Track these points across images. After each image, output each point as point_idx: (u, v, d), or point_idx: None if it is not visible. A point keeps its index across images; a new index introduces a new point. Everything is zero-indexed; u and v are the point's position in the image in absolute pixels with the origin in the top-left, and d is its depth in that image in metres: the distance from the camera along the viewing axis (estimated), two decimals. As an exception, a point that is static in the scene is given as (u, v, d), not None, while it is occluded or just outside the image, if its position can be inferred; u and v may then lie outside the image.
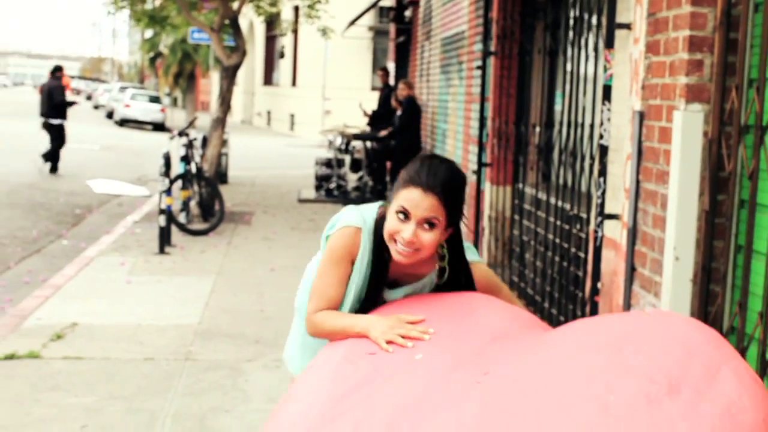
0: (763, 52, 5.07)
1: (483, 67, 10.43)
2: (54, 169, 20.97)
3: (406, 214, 3.28)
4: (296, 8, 30.42)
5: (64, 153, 21.99)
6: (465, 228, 3.65)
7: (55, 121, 21.13)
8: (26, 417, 5.98)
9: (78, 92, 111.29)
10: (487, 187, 10.85)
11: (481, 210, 10.83)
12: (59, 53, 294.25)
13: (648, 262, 6.07)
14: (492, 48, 10.62)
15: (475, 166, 10.74)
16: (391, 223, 3.33)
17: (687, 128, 5.62)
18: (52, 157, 21.07)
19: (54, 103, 20.85)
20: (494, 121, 10.68)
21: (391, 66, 22.72)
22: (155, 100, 46.42)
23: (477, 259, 3.71)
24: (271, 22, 20.00)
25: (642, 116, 6.19)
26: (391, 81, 20.08)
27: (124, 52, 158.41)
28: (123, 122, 45.69)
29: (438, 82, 15.58)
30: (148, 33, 51.99)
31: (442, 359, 2.99)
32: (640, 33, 6.26)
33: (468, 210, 10.80)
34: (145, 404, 6.25)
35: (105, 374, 6.85)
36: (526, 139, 9.72)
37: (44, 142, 22.19)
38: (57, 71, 21.43)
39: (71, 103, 21.54)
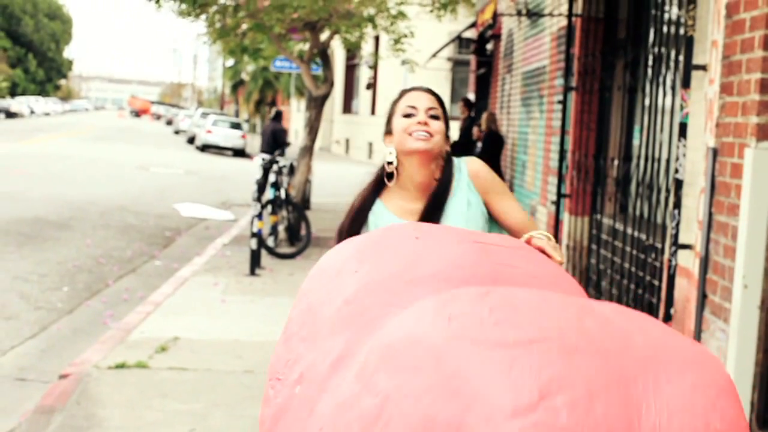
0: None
1: (564, 102, 10.83)
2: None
3: (413, 112, 3.62)
4: (376, 38, 30.92)
5: (152, 177, 22.67)
6: None
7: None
8: (138, 420, 6.50)
9: (158, 117, 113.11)
10: (565, 217, 11.24)
11: (560, 239, 11.21)
12: (138, 78, 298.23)
13: (718, 290, 6.44)
14: (573, 83, 11.03)
15: (554, 197, 11.13)
16: (401, 122, 3.63)
17: (757, 165, 6.01)
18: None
19: (278, 143, 22.31)
20: (574, 154, 11.08)
21: (472, 97, 23.16)
22: (236, 126, 47.15)
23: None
24: (351, 50, 20.47)
25: (716, 152, 6.57)
26: (472, 113, 20.53)
27: (203, 78, 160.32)
28: (204, 148, 46.43)
29: (518, 115, 15.97)
30: (230, 61, 52.94)
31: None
32: (715, 74, 6.66)
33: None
34: (247, 411, 6.74)
35: (208, 384, 7.36)
36: (605, 172, 10.12)
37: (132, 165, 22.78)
38: (278, 115, 22.92)
39: (288, 144, 23.25)
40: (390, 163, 3.69)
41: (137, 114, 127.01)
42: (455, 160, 3.77)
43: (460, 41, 34.60)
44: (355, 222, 3.81)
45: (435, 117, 3.63)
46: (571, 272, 11.04)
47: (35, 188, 21.13)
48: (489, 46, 20.42)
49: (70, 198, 19.69)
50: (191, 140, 53.33)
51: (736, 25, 6.36)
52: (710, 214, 6.63)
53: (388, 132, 3.73)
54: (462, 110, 20.24)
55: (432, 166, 3.67)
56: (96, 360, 7.76)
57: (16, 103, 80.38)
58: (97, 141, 47.95)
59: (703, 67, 7.01)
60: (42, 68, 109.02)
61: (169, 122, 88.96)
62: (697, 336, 6.70)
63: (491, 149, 16.54)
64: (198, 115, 55.33)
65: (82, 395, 6.90)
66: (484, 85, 21.71)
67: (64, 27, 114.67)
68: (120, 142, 48.62)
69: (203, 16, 16.04)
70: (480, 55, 21.72)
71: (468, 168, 3.74)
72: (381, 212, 3.71)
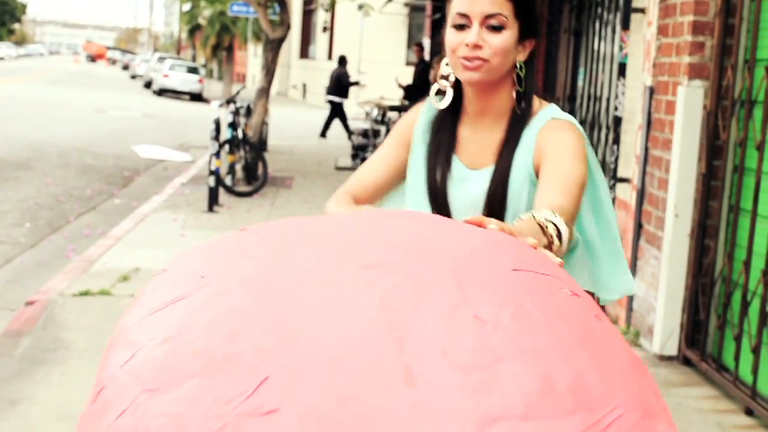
0: (754, 37, 5.87)
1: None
2: (323, 135, 24.93)
3: (465, 23, 2.61)
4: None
5: (110, 120, 22.84)
6: None
7: (337, 99, 24.31)
8: (102, 343, 6.80)
9: (114, 62, 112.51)
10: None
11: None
12: (94, 23, 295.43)
13: (653, 220, 6.84)
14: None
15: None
16: (450, 38, 2.65)
17: (689, 102, 6.40)
18: (326, 125, 24.84)
19: (342, 85, 24.44)
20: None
21: (426, 42, 23.46)
22: (193, 71, 47.14)
23: (569, 119, 2.70)
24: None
25: (652, 91, 6.95)
26: (426, 56, 20.85)
27: (160, 23, 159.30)
28: (161, 92, 46.45)
29: (471, 58, 16.30)
30: (187, 5, 52.80)
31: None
32: (653, 17, 7.02)
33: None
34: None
35: (169, 310, 7.68)
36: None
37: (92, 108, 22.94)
38: (342, 60, 24.98)
39: (356, 83, 25.40)
40: (445, 77, 2.76)
41: (93, 59, 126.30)
42: (546, 106, 2.73)
43: (416, -14, 34.81)
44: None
45: (495, 28, 2.57)
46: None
47: (-7, 130, 21.26)
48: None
49: (29, 139, 19.83)
50: (148, 84, 53.32)
51: (672, -30, 6.70)
52: (646, 149, 7.02)
53: (443, 37, 2.73)
54: (417, 54, 20.61)
55: (500, 92, 2.69)
56: (61, 288, 8.07)
57: (-30, 47, 79.81)
58: (53, 85, 47.85)
59: (642, 10, 7.37)
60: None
61: (125, 67, 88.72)
62: (633, 263, 7.11)
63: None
64: (155, 60, 55.24)
65: (48, 320, 7.21)
66: (440, 30, 21.98)
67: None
68: (77, 87, 48.52)
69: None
70: (435, 0, 21.99)
71: (544, 126, 2.65)
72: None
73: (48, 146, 19.03)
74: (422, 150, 2.81)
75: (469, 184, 2.72)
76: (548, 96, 3.15)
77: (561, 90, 10.45)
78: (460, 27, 2.59)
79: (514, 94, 2.67)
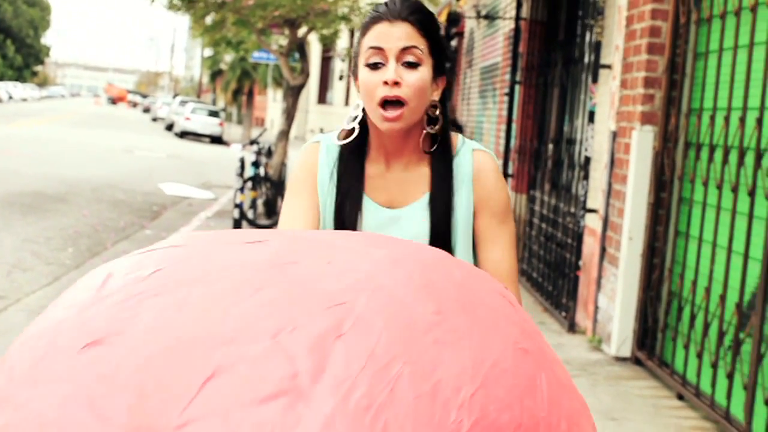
0: (697, 90, 7.16)
1: (511, 94, 12.47)
2: None
3: (379, 59, 2.52)
4: (352, 31, 32.44)
5: (136, 159, 24.17)
6: None
7: None
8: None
9: (134, 105, 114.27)
10: (510, 195, 12.87)
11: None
12: (114, 66, 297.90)
13: (613, 243, 8.10)
14: (519, 78, 12.67)
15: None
16: (365, 78, 2.54)
17: (641, 144, 7.67)
18: None
19: None
20: (517, 140, 12.75)
21: (437, 90, 24.79)
22: (214, 114, 48.59)
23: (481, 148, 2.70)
24: (327, 44, 22.00)
25: (615, 135, 8.22)
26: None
27: (180, 67, 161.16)
28: (183, 134, 48.08)
29: (476, 105, 17.53)
30: (209, 51, 54.30)
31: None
32: (617, 72, 8.31)
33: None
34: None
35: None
36: (541, 155, 11.81)
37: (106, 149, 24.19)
38: None
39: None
40: (355, 119, 2.66)
41: (114, 101, 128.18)
42: (459, 139, 2.70)
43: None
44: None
45: (411, 64, 2.51)
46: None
47: (30, 167, 22.60)
48: (453, 43, 22.02)
49: (63, 176, 21.19)
50: (169, 127, 54.94)
51: (631, 34, 8.00)
52: (610, 184, 8.28)
53: (356, 75, 2.63)
54: (428, 102, 21.95)
55: (415, 131, 2.62)
56: (108, 299, 9.33)
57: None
58: (78, 126, 49.47)
59: (609, 66, 8.65)
60: (20, 54, 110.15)
61: (146, 110, 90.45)
62: (598, 281, 8.36)
63: (451, 137, 18.06)
64: (177, 103, 56.84)
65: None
66: (449, 79, 23.29)
67: (42, 14, 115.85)
68: (101, 128, 50.11)
69: (191, 11, 17.55)
70: (446, 51, 23.31)
71: (475, 159, 2.65)
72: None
73: (81, 182, 20.38)
74: (331, 193, 2.67)
75: (401, 223, 2.62)
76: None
77: (549, 135, 11.74)
78: (375, 66, 2.51)
79: (425, 132, 2.62)
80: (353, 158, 2.65)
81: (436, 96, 2.62)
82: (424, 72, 2.52)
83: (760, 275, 5.72)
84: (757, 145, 5.94)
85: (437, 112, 2.62)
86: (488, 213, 2.60)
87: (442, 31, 2.42)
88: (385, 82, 2.48)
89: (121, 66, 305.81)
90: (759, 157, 5.93)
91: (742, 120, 6.21)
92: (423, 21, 2.54)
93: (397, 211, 2.62)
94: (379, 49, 2.50)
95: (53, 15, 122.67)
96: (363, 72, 2.53)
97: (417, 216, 2.60)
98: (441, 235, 2.58)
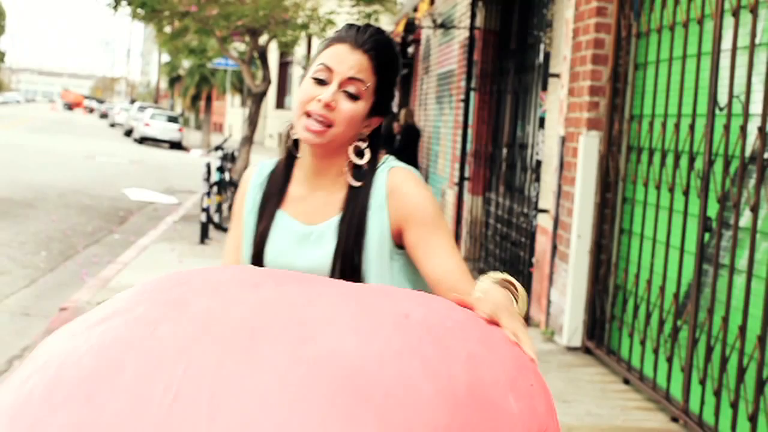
0: (638, 98, 7.72)
1: (466, 100, 13.01)
2: None
3: (325, 78, 2.56)
4: (309, 37, 32.92)
5: (99, 165, 24.50)
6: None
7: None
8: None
9: (91, 110, 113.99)
10: (466, 197, 13.44)
11: (462, 216, 13.42)
12: (69, 71, 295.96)
13: (563, 241, 8.66)
14: (474, 85, 13.22)
15: (458, 180, 13.33)
16: (306, 87, 2.58)
17: (587, 148, 8.24)
18: None
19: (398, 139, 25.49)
20: (473, 144, 13.32)
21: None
22: (173, 120, 48.86)
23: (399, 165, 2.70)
24: (286, 50, 22.44)
25: (563, 139, 8.78)
26: (394, 108, 22.68)
27: (136, 72, 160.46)
28: (142, 140, 48.43)
29: (433, 111, 18.03)
30: (166, 56, 54.53)
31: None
32: (565, 81, 8.87)
33: (451, 216, 13.46)
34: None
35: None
36: (495, 158, 12.38)
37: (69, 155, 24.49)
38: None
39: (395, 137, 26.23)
40: (288, 135, 2.74)
41: (70, 107, 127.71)
42: (382, 160, 2.70)
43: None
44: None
45: (351, 95, 2.55)
46: (469, 242, 13.27)
47: (-5, 173, 23.00)
48: (410, 50, 22.54)
49: (28, 182, 21.56)
50: (128, 133, 55.23)
51: (577, 45, 8.56)
52: (559, 186, 8.85)
53: (302, 79, 2.67)
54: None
55: (340, 157, 2.66)
56: (86, 298, 9.81)
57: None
58: (37, 132, 49.73)
59: (557, 75, 9.22)
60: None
61: (104, 115, 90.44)
62: (550, 276, 8.92)
63: (408, 141, 18.57)
64: (135, 109, 57.07)
65: (81, 321, 8.93)
66: (406, 85, 23.84)
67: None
68: (60, 134, 50.40)
69: (155, 20, 18.01)
70: (402, 58, 23.81)
71: (389, 178, 2.64)
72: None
73: (47, 188, 20.77)
74: (254, 211, 2.74)
75: (312, 239, 2.65)
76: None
77: (503, 139, 12.31)
78: (319, 81, 2.55)
79: (350, 160, 2.64)
80: (278, 176, 2.72)
81: (366, 131, 2.64)
82: (360, 106, 2.56)
83: (694, 267, 6.33)
84: (690, 149, 6.53)
85: (364, 146, 2.64)
86: (415, 225, 2.56)
87: (400, 71, 2.59)
88: (319, 100, 2.51)
89: (76, 71, 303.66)
90: (692, 160, 6.52)
91: (677, 126, 6.80)
92: (381, 59, 2.59)
93: (311, 227, 2.64)
94: (328, 69, 2.54)
95: (7, 20, 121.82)
96: (307, 81, 2.57)
97: (328, 234, 2.62)
98: (348, 255, 2.58)
